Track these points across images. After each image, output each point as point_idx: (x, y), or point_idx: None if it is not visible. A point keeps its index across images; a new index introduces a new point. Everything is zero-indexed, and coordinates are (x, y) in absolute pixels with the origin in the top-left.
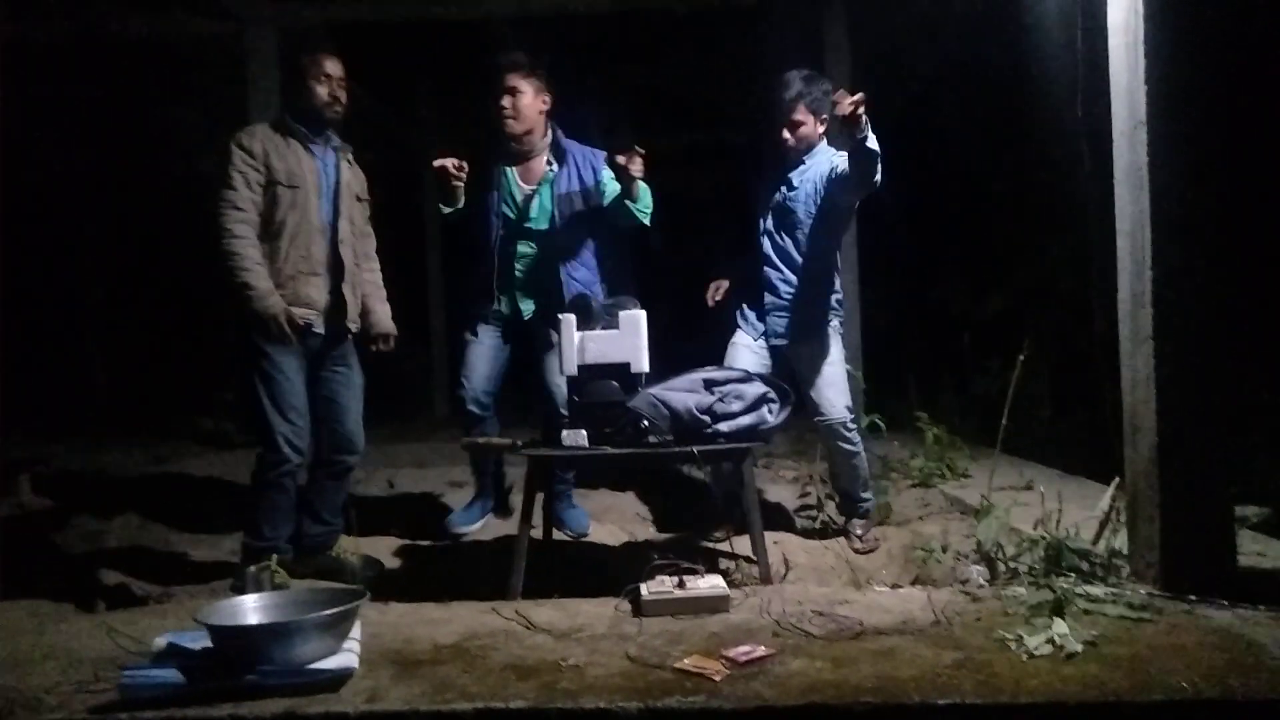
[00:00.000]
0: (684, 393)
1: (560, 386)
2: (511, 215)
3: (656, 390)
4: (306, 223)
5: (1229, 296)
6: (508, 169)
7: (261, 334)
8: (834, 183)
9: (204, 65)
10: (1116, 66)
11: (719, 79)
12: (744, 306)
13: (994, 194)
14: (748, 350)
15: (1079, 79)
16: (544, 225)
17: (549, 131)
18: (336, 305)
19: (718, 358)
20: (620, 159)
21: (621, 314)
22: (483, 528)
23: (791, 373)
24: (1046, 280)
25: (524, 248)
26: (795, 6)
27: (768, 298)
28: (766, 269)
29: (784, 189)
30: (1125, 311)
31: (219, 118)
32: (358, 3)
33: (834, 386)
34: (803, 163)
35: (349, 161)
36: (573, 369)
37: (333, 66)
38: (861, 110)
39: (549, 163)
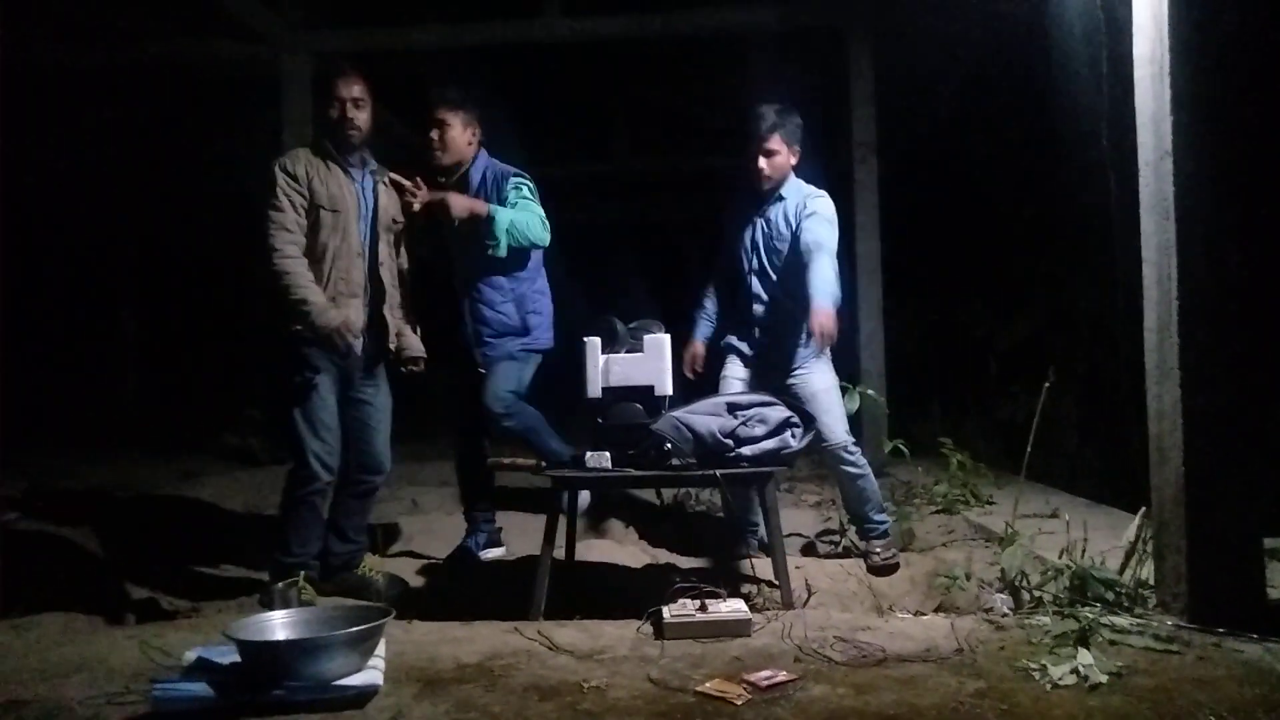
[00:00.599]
0: (707, 416)
1: (490, 407)
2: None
3: (680, 413)
4: (347, 246)
5: (1256, 326)
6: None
7: (326, 347)
8: (796, 235)
9: (239, 89)
10: (1142, 97)
11: (744, 104)
12: (732, 339)
13: (1020, 220)
14: (740, 383)
15: (1105, 109)
16: (457, 242)
17: (478, 162)
18: (376, 328)
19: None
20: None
21: (645, 337)
22: (503, 553)
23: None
24: (1072, 307)
25: (458, 269)
26: (821, 33)
27: (756, 332)
28: (755, 305)
29: (763, 224)
30: (1151, 341)
31: (255, 140)
32: (389, 30)
33: (830, 413)
34: (780, 197)
35: (384, 184)
36: (597, 391)
37: (345, 88)
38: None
39: (463, 190)
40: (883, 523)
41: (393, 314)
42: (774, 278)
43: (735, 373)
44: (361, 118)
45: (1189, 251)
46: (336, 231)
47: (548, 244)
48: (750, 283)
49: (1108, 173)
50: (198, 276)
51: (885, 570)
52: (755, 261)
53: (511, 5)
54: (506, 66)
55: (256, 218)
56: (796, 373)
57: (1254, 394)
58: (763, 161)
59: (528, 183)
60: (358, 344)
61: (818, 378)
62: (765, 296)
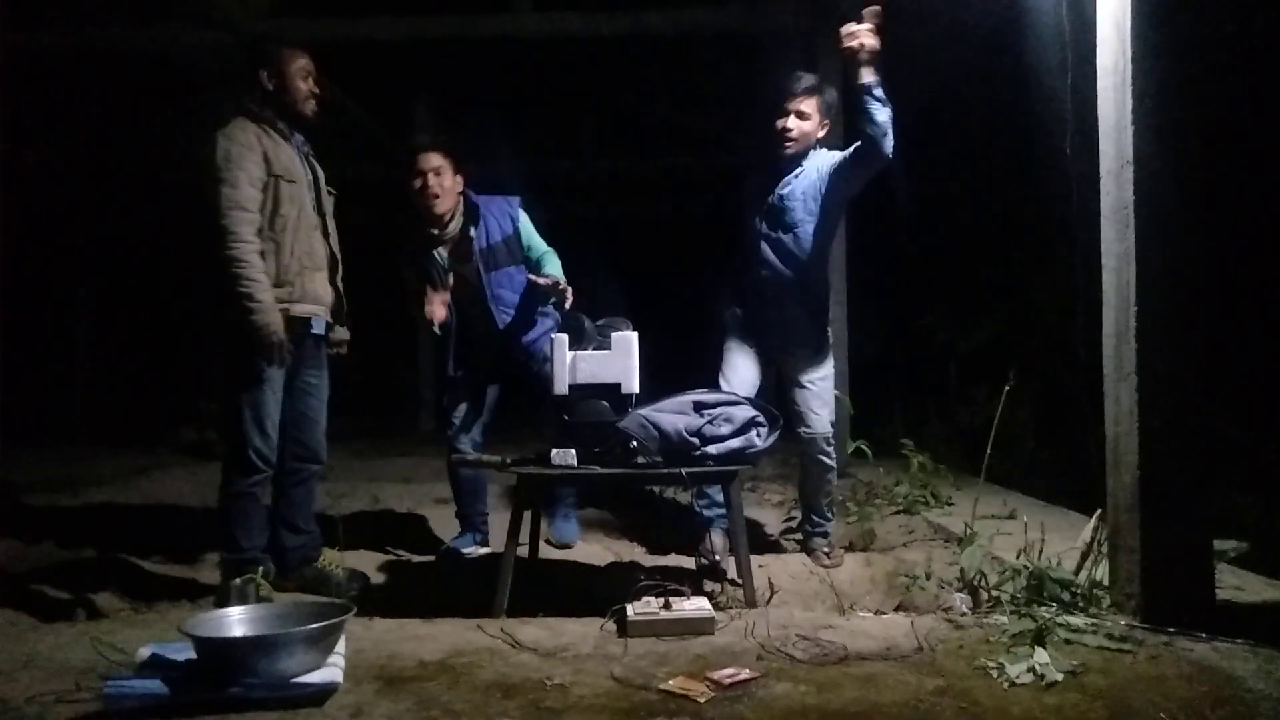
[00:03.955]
0: (673, 414)
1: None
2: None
3: (646, 411)
4: (305, 217)
5: (1210, 334)
6: (436, 253)
7: (259, 352)
8: (838, 170)
9: (199, 77)
10: (1105, 107)
11: (714, 106)
12: (736, 312)
13: (982, 226)
14: (744, 356)
15: (1069, 118)
16: (480, 286)
17: (460, 201)
18: (337, 303)
19: (709, 375)
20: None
21: (613, 335)
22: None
23: (778, 382)
24: (1033, 313)
25: (473, 314)
26: (790, 36)
27: (767, 304)
28: (765, 273)
29: (781, 191)
30: (1110, 347)
31: (209, 128)
32: (355, 20)
33: (821, 399)
34: (800, 167)
35: (312, 155)
36: (564, 388)
37: (307, 61)
38: (864, 46)
39: (467, 232)
40: (830, 520)
41: (341, 285)
42: (785, 243)
43: (740, 346)
44: (315, 93)
45: (1148, 260)
46: (293, 202)
47: None
48: (760, 249)
49: (1070, 181)
50: (152, 265)
51: (836, 568)
52: (766, 225)
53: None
54: (474, 61)
55: (205, 198)
56: (803, 349)
57: (1207, 401)
58: (792, 121)
59: (523, 210)
60: (321, 321)
61: (821, 360)
62: (776, 263)
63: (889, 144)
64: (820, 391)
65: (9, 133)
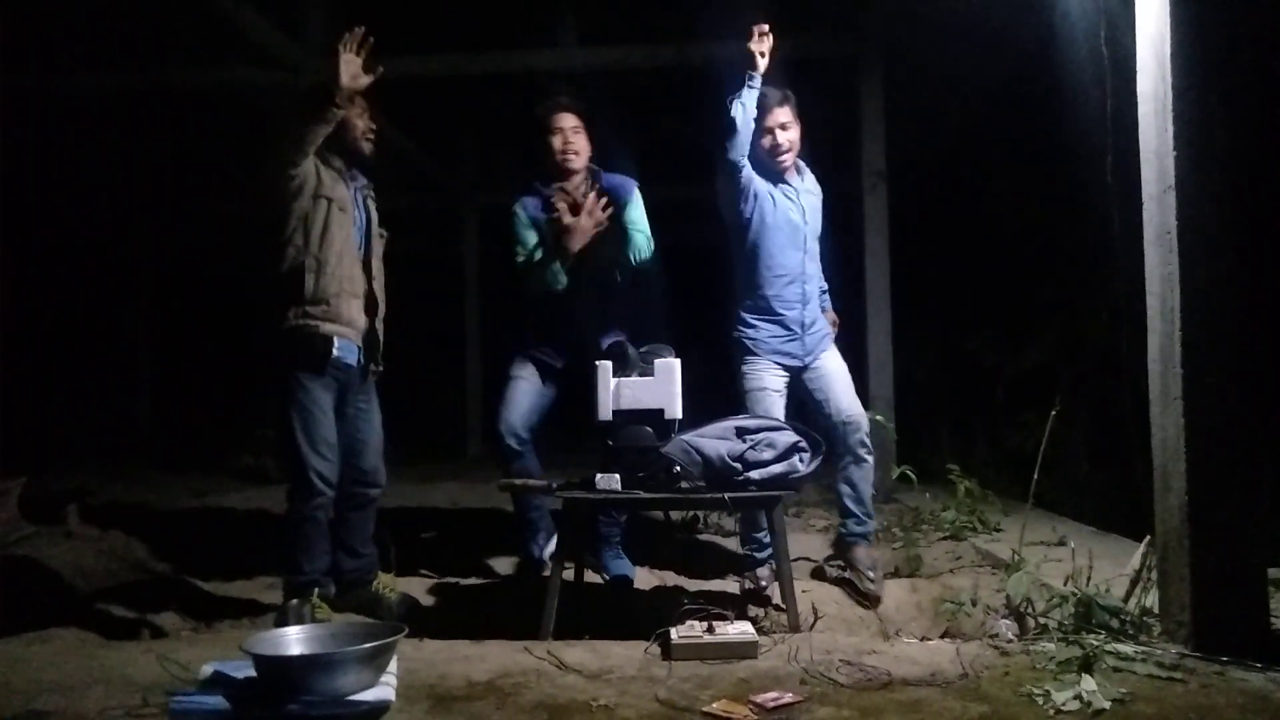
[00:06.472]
0: (716, 439)
1: None
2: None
3: (689, 436)
4: (349, 247)
5: (1258, 356)
6: (558, 205)
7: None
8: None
9: (259, 114)
10: (1146, 132)
11: None
12: (775, 341)
13: (1029, 249)
14: (778, 395)
15: (1110, 141)
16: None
17: (588, 175)
18: (371, 338)
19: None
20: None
21: (656, 361)
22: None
23: (798, 393)
24: (1080, 336)
25: (560, 287)
26: (832, 62)
27: (806, 313)
28: (806, 286)
29: (804, 207)
30: (1155, 371)
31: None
32: (409, 57)
33: (851, 388)
34: (800, 171)
35: (372, 199)
36: (607, 414)
37: (364, 103)
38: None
39: (584, 197)
40: (872, 518)
41: (382, 326)
42: (814, 256)
43: (774, 384)
44: (373, 130)
45: (1192, 284)
46: (343, 229)
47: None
48: (805, 268)
49: (1111, 205)
50: (213, 296)
51: (875, 600)
52: (802, 240)
53: (528, 34)
54: (521, 93)
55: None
56: (829, 350)
57: (1257, 425)
58: (781, 136)
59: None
60: (353, 345)
61: (834, 356)
62: (812, 275)
63: (726, 140)
64: (848, 379)
65: (74, 171)
